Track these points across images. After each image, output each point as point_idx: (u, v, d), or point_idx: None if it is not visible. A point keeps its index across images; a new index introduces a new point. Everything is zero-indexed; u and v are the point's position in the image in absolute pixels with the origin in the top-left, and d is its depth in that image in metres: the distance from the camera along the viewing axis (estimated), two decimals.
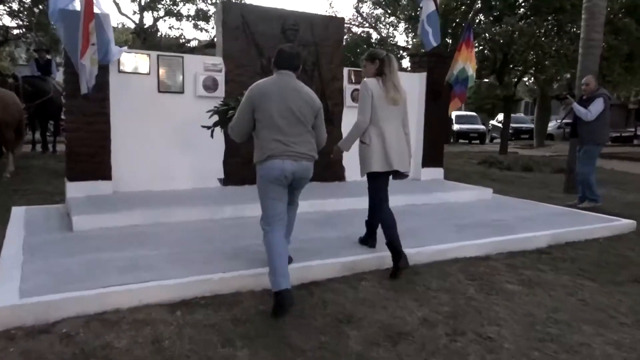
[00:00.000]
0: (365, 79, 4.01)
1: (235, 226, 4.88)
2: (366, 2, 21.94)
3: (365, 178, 4.22)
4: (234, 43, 6.18)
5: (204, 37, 21.73)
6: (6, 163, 8.14)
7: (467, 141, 25.60)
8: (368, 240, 4.41)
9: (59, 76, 11.12)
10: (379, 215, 4.16)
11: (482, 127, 26.78)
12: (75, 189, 5.35)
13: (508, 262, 4.40)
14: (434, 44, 7.49)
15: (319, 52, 6.76)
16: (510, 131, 27.48)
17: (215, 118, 4.63)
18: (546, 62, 12.95)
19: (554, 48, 12.70)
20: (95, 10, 5.10)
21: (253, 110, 3.34)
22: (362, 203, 5.92)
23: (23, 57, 17.07)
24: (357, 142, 4.13)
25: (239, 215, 5.19)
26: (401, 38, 28.49)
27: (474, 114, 27.43)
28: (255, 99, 3.33)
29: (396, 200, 6.13)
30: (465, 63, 7.02)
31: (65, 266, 3.56)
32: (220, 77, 6.10)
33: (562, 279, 4.01)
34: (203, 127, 4.79)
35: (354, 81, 7.08)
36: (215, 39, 21.95)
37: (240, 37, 6.20)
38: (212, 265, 3.71)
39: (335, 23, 6.92)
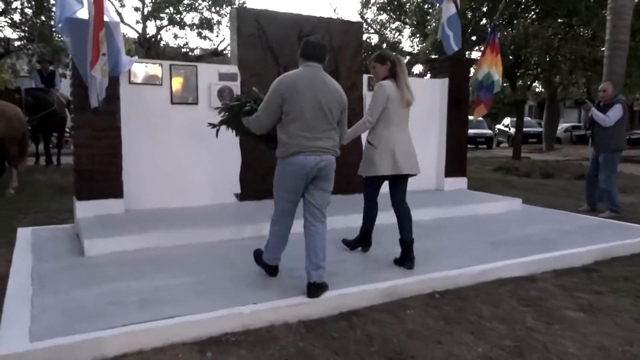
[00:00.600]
0: (382, 82, 3.97)
1: (259, 246, 4.52)
2: (370, 7, 21.69)
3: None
4: (250, 51, 5.86)
5: (207, 45, 21.44)
6: (9, 179, 7.82)
7: (474, 146, 25.26)
8: (405, 260, 4.04)
9: (64, 88, 10.84)
10: (366, 206, 4.28)
11: (489, 131, 26.46)
12: (85, 209, 5.00)
13: (558, 282, 4.04)
14: (455, 49, 7.16)
15: (338, 59, 6.43)
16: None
17: (223, 116, 4.07)
18: (562, 66, 12.61)
19: (568, 51, 12.36)
20: (105, 18, 4.78)
21: (282, 103, 3.28)
22: (389, 218, 5.59)
23: (25, 69, 16.78)
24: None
25: (261, 235, 4.80)
26: (406, 44, 28.07)
27: (480, 118, 27.04)
28: (285, 92, 3.26)
29: (425, 214, 5.85)
30: (491, 68, 6.69)
31: (78, 300, 3.21)
32: (236, 87, 5.77)
33: (622, 302, 3.65)
34: (209, 125, 4.17)
35: (373, 89, 6.72)
36: (218, 47, 21.86)
37: (255, 45, 5.88)
38: (241, 294, 3.36)
39: (354, 28, 6.60)
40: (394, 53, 4.03)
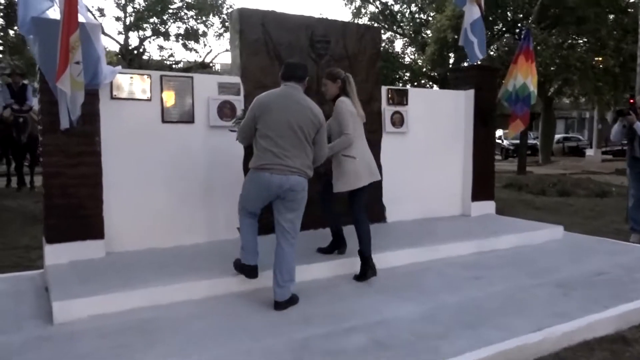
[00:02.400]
0: (341, 98, 4.12)
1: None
2: (362, 17, 21.06)
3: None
4: (254, 58, 4.98)
5: (192, 58, 20.51)
6: None
7: None
8: (341, 247, 4.43)
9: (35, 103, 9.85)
10: (363, 227, 4.14)
11: None
12: (56, 254, 4.04)
13: None
14: (480, 56, 6.39)
15: (352, 68, 5.56)
16: (511, 147, 26.76)
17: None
18: (573, 77, 11.95)
19: (577, 60, 11.74)
20: (81, 18, 3.87)
21: (255, 119, 3.44)
22: (426, 254, 4.78)
23: None
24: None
25: None
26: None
27: None
28: (257, 109, 3.44)
29: (461, 248, 5.02)
30: (527, 78, 5.90)
31: None
32: (239, 101, 4.89)
33: None
34: (231, 130, 4.25)
35: (394, 102, 5.91)
36: (205, 59, 20.93)
37: (261, 51, 5.00)
38: None
39: (371, 33, 5.75)
40: (343, 72, 4.23)
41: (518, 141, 25.54)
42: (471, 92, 6.37)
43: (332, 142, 4.01)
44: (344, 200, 4.21)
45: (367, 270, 4.12)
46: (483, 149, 6.48)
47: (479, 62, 6.61)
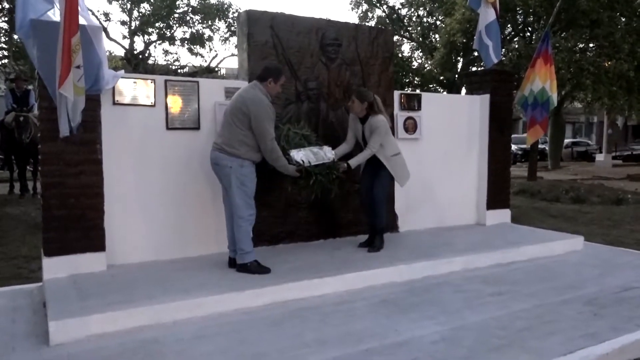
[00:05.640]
0: (380, 117, 4.60)
1: (288, 320, 3.41)
2: (369, 21, 20.88)
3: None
4: (263, 63, 4.74)
5: (198, 62, 20.38)
6: None
7: None
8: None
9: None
10: (385, 206, 4.85)
11: None
12: (54, 267, 3.84)
13: None
14: (495, 60, 6.16)
15: (364, 73, 5.39)
16: (519, 152, 26.46)
17: None
18: (587, 81, 11.69)
19: (591, 64, 11.50)
20: (82, 21, 3.68)
21: None
22: (443, 267, 4.57)
23: (2, 88, 15.60)
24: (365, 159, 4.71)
25: (285, 299, 3.73)
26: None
27: None
28: None
29: (480, 259, 4.79)
30: (545, 82, 5.67)
31: None
32: None
33: None
34: None
35: (407, 107, 5.70)
36: (210, 64, 20.78)
37: (270, 55, 4.80)
38: None
39: (383, 36, 5.53)
40: (371, 93, 4.67)
41: (526, 146, 25.26)
42: (486, 97, 6.14)
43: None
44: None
45: (376, 242, 4.75)
46: (498, 156, 6.25)
47: (494, 66, 6.38)
